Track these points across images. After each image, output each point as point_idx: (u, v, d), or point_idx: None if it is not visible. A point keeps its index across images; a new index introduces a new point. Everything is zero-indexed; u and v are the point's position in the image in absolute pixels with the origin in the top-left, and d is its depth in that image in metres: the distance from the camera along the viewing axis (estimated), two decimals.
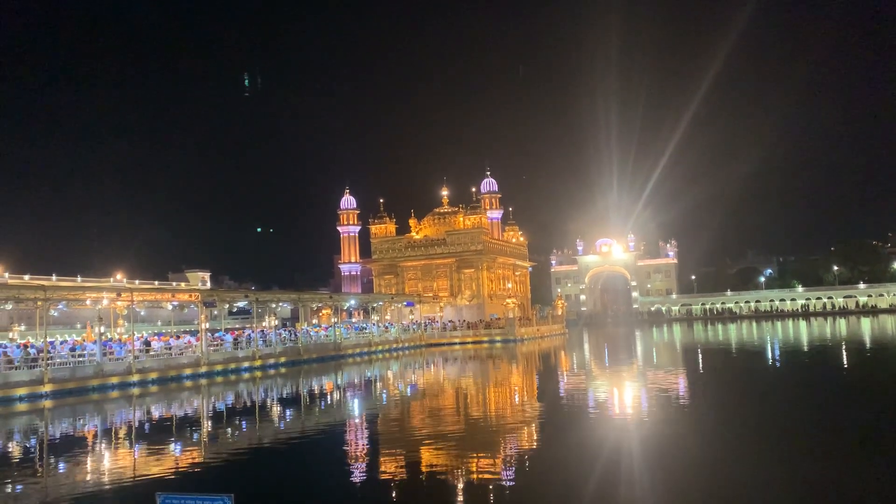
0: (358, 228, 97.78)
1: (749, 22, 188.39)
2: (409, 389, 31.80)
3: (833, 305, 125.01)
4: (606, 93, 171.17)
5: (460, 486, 13.04)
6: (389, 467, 15.19)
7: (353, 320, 72.03)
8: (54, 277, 76.52)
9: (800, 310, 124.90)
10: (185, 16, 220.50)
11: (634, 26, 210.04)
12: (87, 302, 38.70)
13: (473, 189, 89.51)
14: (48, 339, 32.21)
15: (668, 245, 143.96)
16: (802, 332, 69.59)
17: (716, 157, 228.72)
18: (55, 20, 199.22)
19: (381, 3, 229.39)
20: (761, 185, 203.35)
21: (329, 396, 30.43)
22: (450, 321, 72.65)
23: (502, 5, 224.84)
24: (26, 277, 74.19)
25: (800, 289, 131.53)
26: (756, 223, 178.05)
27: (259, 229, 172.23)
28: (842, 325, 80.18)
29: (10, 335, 50.26)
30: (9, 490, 14.15)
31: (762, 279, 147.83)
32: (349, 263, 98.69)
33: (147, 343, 38.49)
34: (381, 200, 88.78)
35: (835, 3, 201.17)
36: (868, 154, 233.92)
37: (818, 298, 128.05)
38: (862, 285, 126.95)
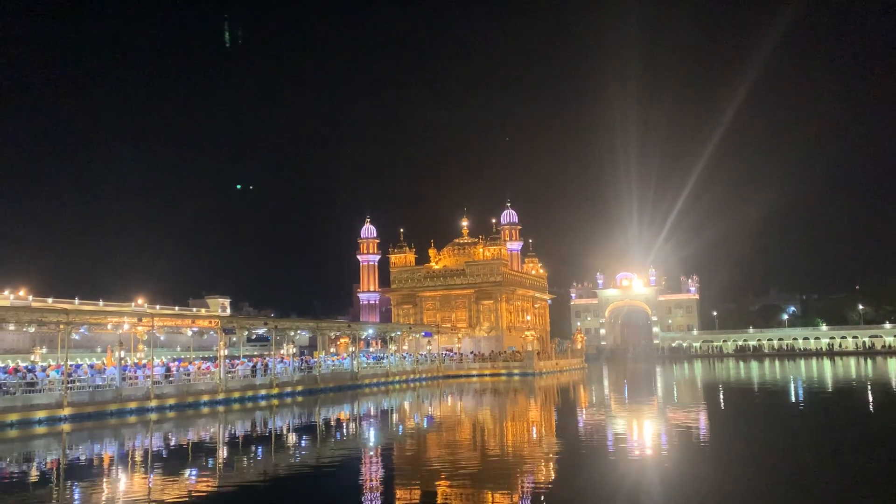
0: (378, 258, 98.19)
1: (772, 55, 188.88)
2: (425, 421, 31.54)
3: (859, 345, 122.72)
4: (627, 126, 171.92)
5: None
6: (404, 500, 15.00)
7: (371, 349, 71.90)
8: (77, 301, 77.53)
9: (824, 349, 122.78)
10: (204, 43, 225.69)
11: (656, 59, 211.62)
12: (109, 326, 39.04)
13: (493, 220, 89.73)
14: (70, 363, 32.42)
15: (689, 280, 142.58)
16: (827, 371, 68.17)
17: (738, 192, 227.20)
18: (84, 32, 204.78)
19: (402, 35, 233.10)
20: (784, 222, 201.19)
21: (345, 426, 30.28)
22: (460, 352, 72.27)
23: (524, 38, 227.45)
24: (50, 300, 75.24)
25: (824, 327, 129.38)
26: (779, 260, 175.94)
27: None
28: (868, 365, 78.47)
29: (32, 357, 50.88)
30: None
31: (785, 317, 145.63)
32: (368, 292, 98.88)
33: (168, 369, 38.60)
34: (401, 230, 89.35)
35: (859, 36, 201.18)
36: (893, 192, 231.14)
37: (843, 337, 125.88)
38: (888, 325, 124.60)
